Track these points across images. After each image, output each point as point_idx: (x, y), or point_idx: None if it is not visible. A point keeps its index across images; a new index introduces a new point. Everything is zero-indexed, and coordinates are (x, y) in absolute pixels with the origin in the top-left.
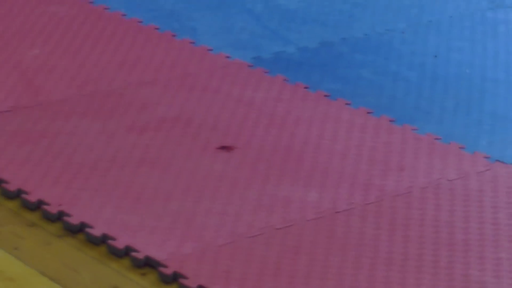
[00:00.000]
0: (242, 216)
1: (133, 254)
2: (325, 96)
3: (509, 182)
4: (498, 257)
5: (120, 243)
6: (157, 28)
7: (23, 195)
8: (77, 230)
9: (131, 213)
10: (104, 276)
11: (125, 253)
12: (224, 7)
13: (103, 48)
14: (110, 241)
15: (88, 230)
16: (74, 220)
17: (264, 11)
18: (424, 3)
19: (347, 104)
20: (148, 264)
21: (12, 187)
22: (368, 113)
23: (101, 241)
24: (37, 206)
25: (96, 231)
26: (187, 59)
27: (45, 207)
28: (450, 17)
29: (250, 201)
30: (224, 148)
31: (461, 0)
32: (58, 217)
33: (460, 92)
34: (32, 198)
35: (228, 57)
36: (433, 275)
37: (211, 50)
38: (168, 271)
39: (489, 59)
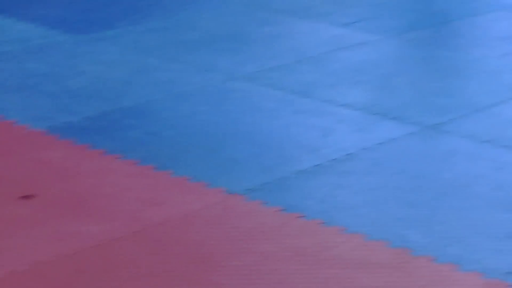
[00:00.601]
0: (40, 247)
1: None
2: (103, 153)
3: (241, 208)
4: (236, 265)
5: None
6: None
7: None
8: None
9: None
10: None
11: None
12: (26, 89)
13: None
14: None
15: None
16: None
17: (56, 91)
18: (175, 78)
19: (120, 157)
20: None
21: None
22: (136, 163)
23: None
24: None
25: None
26: None
27: None
28: (197, 88)
29: (46, 235)
30: (26, 197)
31: (203, 75)
32: None
33: (205, 143)
34: None
35: (28, 127)
36: (185, 282)
37: (15, 122)
38: None
39: (226, 117)
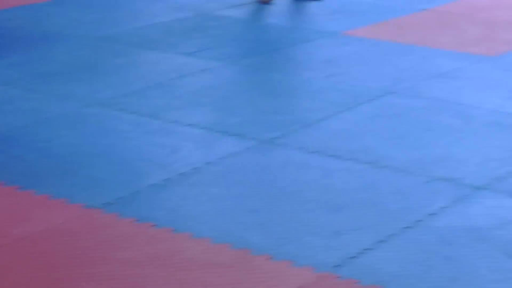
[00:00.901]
0: None
1: None
2: None
3: (98, 220)
4: (97, 273)
5: None
6: None
7: None
8: None
9: None
10: None
11: None
12: None
13: None
14: None
15: None
16: None
17: None
18: (36, 106)
19: None
20: None
21: None
22: (1, 185)
23: None
24: None
25: None
26: None
27: None
28: (56, 115)
29: None
30: None
31: (62, 103)
32: None
33: (65, 164)
34: None
35: None
36: None
37: None
38: None
39: (84, 139)
